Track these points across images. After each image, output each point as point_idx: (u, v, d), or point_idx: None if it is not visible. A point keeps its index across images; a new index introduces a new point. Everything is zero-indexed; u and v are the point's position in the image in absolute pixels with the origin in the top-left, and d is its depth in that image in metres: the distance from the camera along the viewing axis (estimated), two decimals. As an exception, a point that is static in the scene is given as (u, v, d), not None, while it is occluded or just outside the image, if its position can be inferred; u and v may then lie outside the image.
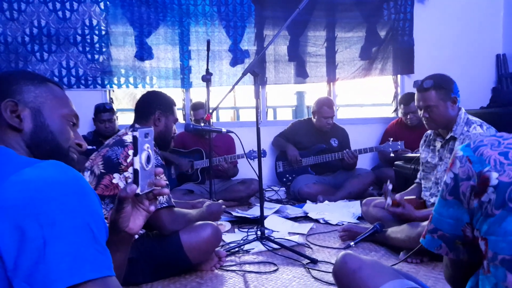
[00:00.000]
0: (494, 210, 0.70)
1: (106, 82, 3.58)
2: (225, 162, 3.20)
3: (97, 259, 0.61)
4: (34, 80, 0.81)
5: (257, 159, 2.07)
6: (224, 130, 2.23)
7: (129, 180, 1.62)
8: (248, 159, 2.35)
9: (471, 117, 1.96)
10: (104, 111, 3.17)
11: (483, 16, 4.10)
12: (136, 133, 0.77)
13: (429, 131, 2.17)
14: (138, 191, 0.78)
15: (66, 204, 0.61)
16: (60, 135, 0.81)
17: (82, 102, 3.45)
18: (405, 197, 2.09)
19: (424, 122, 2.02)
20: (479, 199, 0.72)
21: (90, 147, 3.10)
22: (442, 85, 1.92)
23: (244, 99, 6.32)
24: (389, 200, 2.04)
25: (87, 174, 1.71)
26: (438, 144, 2.06)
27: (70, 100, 0.87)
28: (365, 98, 5.00)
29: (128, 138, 1.71)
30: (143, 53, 3.59)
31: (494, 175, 0.71)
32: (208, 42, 2.64)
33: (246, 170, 2.93)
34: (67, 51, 3.48)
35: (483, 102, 3.99)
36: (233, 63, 3.74)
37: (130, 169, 1.63)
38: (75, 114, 0.86)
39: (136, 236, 1.61)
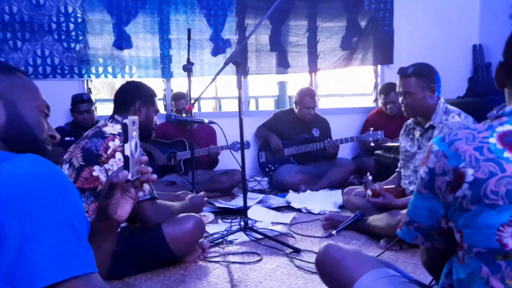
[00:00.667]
0: (469, 206, 0.71)
1: (83, 72, 3.48)
2: (209, 152, 3.17)
3: (80, 256, 0.59)
4: (4, 71, 0.78)
5: (239, 150, 2.06)
6: (206, 121, 2.21)
7: (110, 172, 1.59)
8: (231, 151, 2.34)
9: (450, 106, 2.01)
10: (81, 102, 3.09)
11: (461, 7, 4.17)
12: (126, 120, 0.79)
13: (409, 121, 2.20)
14: (129, 177, 0.79)
15: (46, 199, 0.59)
16: (36, 126, 0.79)
17: (59, 92, 3.36)
18: (385, 187, 2.13)
19: (402, 109, 2.07)
20: (454, 194, 0.73)
21: (68, 138, 3.03)
22: (423, 73, 1.97)
23: (226, 89, 6.29)
24: (369, 191, 2.09)
25: (65, 166, 1.67)
26: (417, 133, 2.10)
27: (39, 89, 0.84)
28: (346, 88, 5.04)
29: (108, 129, 1.68)
30: (122, 41, 3.50)
31: (470, 172, 0.71)
32: (189, 31, 2.60)
33: (229, 160, 2.91)
34: (41, 39, 3.35)
35: (460, 92, 4.09)
36: (215, 52, 3.70)
37: (111, 161, 1.60)
38: (47, 104, 0.84)
39: (118, 229, 1.59)
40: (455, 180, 0.72)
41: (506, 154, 0.70)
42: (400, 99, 2.05)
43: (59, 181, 0.62)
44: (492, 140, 0.72)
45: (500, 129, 0.73)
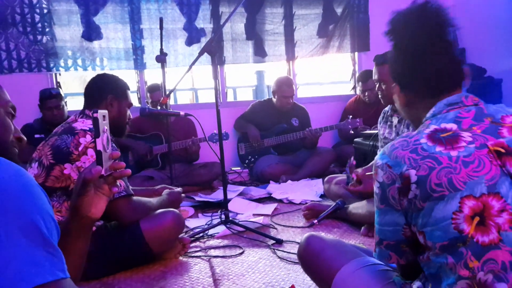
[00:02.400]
0: (422, 204, 0.75)
1: (51, 65, 3.33)
2: (193, 144, 3.10)
3: (48, 261, 0.56)
4: None
5: (218, 142, 2.02)
6: (182, 113, 2.15)
7: (82, 170, 1.52)
8: (210, 143, 2.29)
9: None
10: (50, 98, 2.93)
11: (434, -7, 4.21)
12: (97, 114, 0.77)
13: (386, 108, 2.21)
14: (102, 172, 0.78)
15: (10, 203, 0.55)
16: (2, 128, 0.76)
17: (26, 87, 3.21)
18: (367, 173, 2.14)
19: (379, 96, 2.07)
20: (407, 198, 0.77)
21: (38, 136, 2.90)
22: None
23: (203, 80, 6.18)
24: (354, 176, 2.08)
25: (35, 165, 1.59)
26: (395, 120, 2.11)
27: (4, 89, 0.79)
28: (324, 76, 5.04)
29: (78, 125, 1.60)
30: (91, 32, 3.36)
31: (413, 172, 0.76)
32: (161, 20, 2.51)
33: (207, 153, 2.87)
34: (5, 32, 3.18)
35: (435, 78, 4.15)
36: (189, 42, 3.60)
37: (83, 158, 1.53)
38: (13, 105, 0.80)
39: (94, 228, 1.53)
40: (403, 184, 0.77)
41: (438, 148, 0.76)
42: (376, 86, 2.05)
43: (24, 184, 0.59)
44: (423, 140, 0.78)
45: (427, 130, 0.81)
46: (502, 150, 0.73)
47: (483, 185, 0.71)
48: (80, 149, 1.53)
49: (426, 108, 0.87)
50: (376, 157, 0.85)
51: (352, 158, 2.16)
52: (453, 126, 0.79)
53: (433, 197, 0.73)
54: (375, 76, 2.03)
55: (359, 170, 2.13)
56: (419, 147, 0.78)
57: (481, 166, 0.72)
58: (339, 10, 3.96)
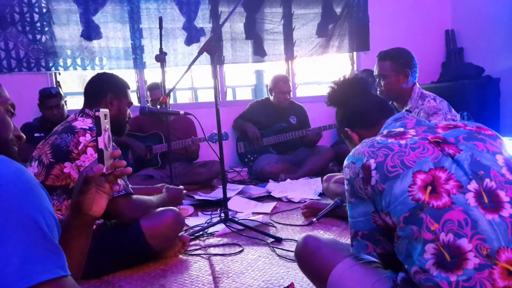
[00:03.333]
0: (382, 186, 0.87)
1: (50, 64, 3.33)
2: (192, 143, 3.11)
3: (49, 259, 0.56)
4: None
5: (217, 142, 2.03)
6: (181, 112, 2.15)
7: (82, 169, 1.53)
8: (209, 142, 2.30)
9: (425, 91, 2.03)
10: (49, 97, 2.93)
11: (433, -8, 4.22)
12: (99, 113, 0.78)
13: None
14: (104, 170, 0.78)
15: (11, 202, 0.55)
16: (2, 126, 0.76)
17: (26, 86, 3.22)
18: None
19: (378, 92, 2.08)
20: (370, 184, 0.89)
21: (37, 134, 2.90)
22: (399, 58, 1.99)
23: (202, 79, 6.18)
24: None
25: (35, 164, 1.59)
26: (394, 119, 2.13)
27: (4, 87, 0.79)
28: (323, 76, 5.04)
29: (78, 124, 1.60)
30: (90, 32, 3.36)
31: (372, 161, 0.89)
32: (160, 20, 2.51)
33: (207, 152, 2.87)
34: (4, 31, 3.18)
35: (434, 77, 4.16)
36: (188, 41, 3.61)
37: (83, 157, 1.53)
38: (12, 103, 0.80)
39: (94, 227, 1.54)
40: (366, 174, 0.90)
41: (389, 140, 0.92)
42: (377, 81, 2.07)
43: (24, 182, 0.59)
44: (378, 138, 0.95)
45: (384, 131, 1.01)
46: (440, 140, 0.90)
47: (429, 162, 0.85)
48: (80, 148, 1.53)
49: (372, 133, 1.06)
50: (344, 162, 0.98)
51: None
52: (401, 129, 0.98)
53: (390, 177, 0.85)
54: (376, 71, 2.06)
55: None
56: (375, 142, 0.93)
57: (425, 150, 0.87)
58: (338, 10, 3.97)
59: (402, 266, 0.87)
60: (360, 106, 1.15)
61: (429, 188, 0.82)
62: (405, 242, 0.84)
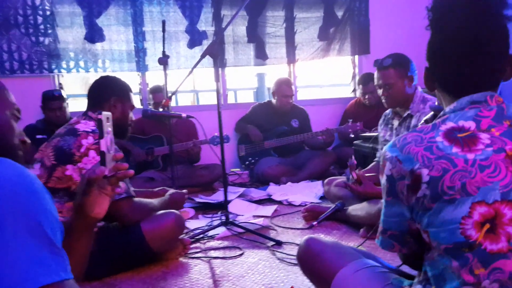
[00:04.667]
0: (430, 204, 0.73)
1: (53, 67, 3.35)
2: (194, 146, 3.12)
3: (53, 262, 0.57)
4: None
5: (219, 144, 2.03)
6: (184, 115, 2.17)
7: (84, 171, 1.54)
8: (211, 145, 2.31)
9: (426, 94, 2.03)
10: (53, 99, 2.96)
11: (434, -4, 4.22)
12: (101, 116, 0.79)
13: (387, 111, 2.22)
14: (106, 172, 0.79)
15: (16, 204, 0.56)
16: (8, 131, 0.76)
17: (28, 88, 3.23)
18: (366, 174, 2.15)
19: (383, 100, 2.08)
20: (416, 196, 0.75)
21: (40, 136, 2.92)
22: (401, 63, 1.99)
23: (204, 82, 6.20)
24: (354, 174, 2.10)
25: (37, 166, 1.60)
26: (396, 123, 2.13)
27: (10, 91, 0.81)
28: (325, 79, 5.05)
29: (81, 126, 1.61)
30: (94, 34, 3.38)
31: (425, 172, 0.73)
32: (164, 23, 2.53)
33: (208, 155, 2.88)
34: (7, 33, 3.20)
35: (435, 81, 4.16)
36: (191, 44, 3.63)
37: (85, 160, 1.54)
38: (18, 108, 0.81)
39: (95, 229, 1.54)
40: (414, 182, 0.74)
41: (454, 149, 0.72)
42: (380, 91, 2.06)
43: (29, 185, 0.59)
44: (439, 138, 0.75)
45: (443, 127, 0.76)
46: None
47: (497, 192, 0.68)
48: (82, 150, 1.54)
49: (448, 101, 0.83)
50: (385, 148, 0.81)
51: (353, 157, 2.19)
52: (472, 125, 0.75)
53: (443, 199, 0.71)
54: (379, 81, 2.03)
55: (358, 171, 2.15)
56: (434, 145, 0.74)
57: (497, 171, 0.69)
58: (339, 14, 3.98)
59: (422, 276, 0.82)
60: (466, 69, 0.80)
61: (487, 226, 0.68)
62: (440, 266, 0.74)
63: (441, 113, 0.82)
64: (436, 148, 0.73)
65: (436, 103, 1.02)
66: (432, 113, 1.14)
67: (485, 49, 0.78)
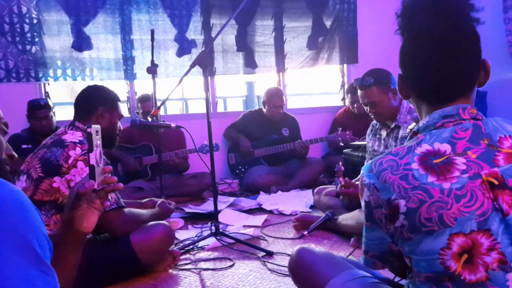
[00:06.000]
0: (409, 234, 0.72)
1: (40, 75, 3.30)
2: (176, 157, 3.10)
3: (42, 281, 0.56)
4: None
5: (209, 153, 2.02)
6: (173, 125, 2.15)
7: (72, 183, 1.51)
8: (200, 154, 2.30)
9: (412, 105, 2.06)
10: (39, 108, 2.90)
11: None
12: (91, 129, 0.79)
13: (374, 121, 2.24)
14: (95, 186, 0.79)
15: (4, 222, 0.55)
16: None
17: (14, 97, 3.18)
18: (356, 182, 2.16)
19: (372, 117, 2.10)
20: (394, 225, 0.74)
21: (25, 146, 2.86)
22: (382, 79, 1.99)
23: (193, 90, 6.19)
24: (341, 180, 2.11)
25: (23, 178, 1.57)
26: (384, 133, 2.15)
27: None
28: (314, 87, 5.09)
29: (68, 137, 1.59)
30: (81, 43, 3.35)
31: (402, 203, 0.71)
32: (152, 32, 2.52)
33: (197, 163, 2.86)
34: (-7, 42, 3.15)
35: (422, 90, 4.22)
36: (180, 53, 3.62)
37: (72, 171, 1.51)
38: (5, 121, 0.80)
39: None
40: (391, 212, 0.73)
41: (430, 178, 0.70)
42: (366, 108, 2.07)
43: (17, 202, 0.58)
44: (414, 165, 0.72)
45: (419, 150, 0.74)
46: (495, 182, 0.68)
47: (473, 221, 0.67)
48: (70, 162, 1.51)
49: (423, 109, 0.82)
50: (363, 171, 0.79)
51: (340, 163, 2.20)
52: (447, 148, 0.72)
53: (422, 231, 0.70)
54: (364, 100, 2.04)
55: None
56: (410, 173, 0.72)
57: (473, 199, 0.68)
58: (328, 23, 4.03)
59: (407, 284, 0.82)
60: (437, 74, 0.77)
61: (465, 256, 0.67)
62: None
63: (415, 127, 0.82)
64: (412, 177, 0.71)
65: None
66: (414, 124, 1.18)
67: (454, 51, 0.75)
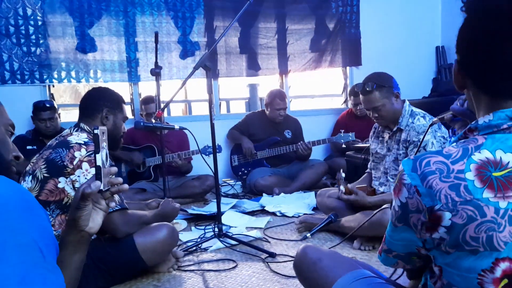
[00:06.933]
0: (448, 249, 0.65)
1: (45, 77, 3.33)
2: (179, 158, 3.11)
3: (47, 279, 0.57)
4: None
5: (211, 154, 2.03)
6: (177, 127, 2.16)
7: (76, 184, 1.52)
8: (203, 155, 2.30)
9: (415, 109, 2.07)
10: (43, 110, 2.93)
11: (423, 10, 4.32)
12: (97, 131, 0.80)
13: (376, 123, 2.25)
14: (101, 187, 0.79)
15: (11, 222, 0.56)
16: (2, 147, 0.76)
17: (19, 98, 3.20)
18: (357, 186, 2.17)
19: (375, 121, 2.10)
20: (431, 235, 0.67)
21: (30, 147, 2.88)
22: (383, 83, 1.99)
23: (196, 92, 6.20)
24: (342, 188, 2.11)
25: (28, 179, 1.58)
26: (386, 136, 2.15)
27: (4, 107, 0.81)
28: (317, 89, 5.09)
29: (73, 138, 1.60)
30: (85, 45, 3.38)
31: (447, 215, 0.63)
32: (156, 34, 2.53)
33: (200, 165, 2.87)
34: (-1, 43, 3.18)
35: (425, 92, 4.23)
36: (183, 55, 3.64)
37: (77, 172, 1.53)
38: (12, 123, 0.81)
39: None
40: (431, 221, 0.65)
41: (486, 194, 0.61)
42: (369, 113, 2.07)
43: (24, 202, 0.59)
44: (469, 175, 0.62)
45: (477, 157, 0.63)
46: None
47: None
48: (75, 162, 1.52)
49: (482, 104, 0.69)
50: (403, 167, 0.69)
51: (341, 171, 2.20)
52: (511, 160, 0.62)
53: (464, 249, 0.62)
54: (366, 105, 2.04)
55: (350, 185, 2.17)
56: (462, 184, 0.62)
57: None
58: (331, 26, 4.04)
59: (424, 283, 0.78)
60: (505, 57, 0.63)
61: (506, 281, 0.61)
62: None
63: (473, 124, 0.68)
64: (464, 189, 0.62)
65: (465, 105, 0.88)
66: (450, 113, 0.96)
67: None
